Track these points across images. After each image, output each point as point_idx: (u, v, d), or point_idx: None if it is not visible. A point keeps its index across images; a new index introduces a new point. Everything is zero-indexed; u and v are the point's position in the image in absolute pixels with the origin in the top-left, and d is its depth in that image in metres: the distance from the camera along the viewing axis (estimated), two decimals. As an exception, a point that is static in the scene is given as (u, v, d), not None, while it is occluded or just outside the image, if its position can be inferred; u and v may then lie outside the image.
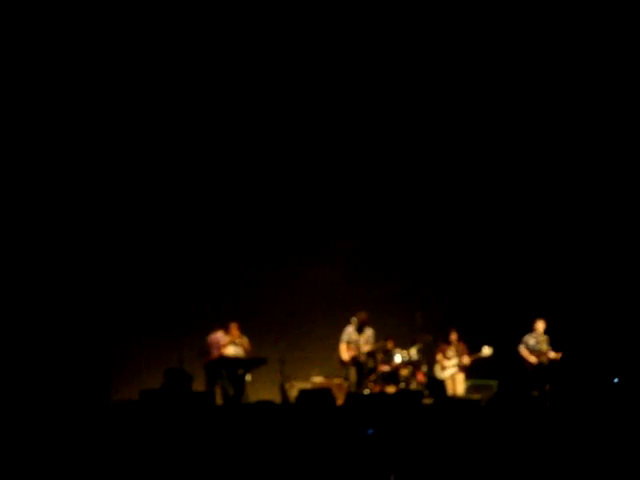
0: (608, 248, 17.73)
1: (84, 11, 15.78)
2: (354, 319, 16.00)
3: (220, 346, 15.63)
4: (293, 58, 17.20)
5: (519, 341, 16.21)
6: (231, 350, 15.68)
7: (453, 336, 16.48)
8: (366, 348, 15.87)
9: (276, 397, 15.49)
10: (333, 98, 17.75)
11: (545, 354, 15.97)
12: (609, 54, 16.69)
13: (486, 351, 16.28)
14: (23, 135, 16.40)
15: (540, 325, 16.14)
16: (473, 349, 16.48)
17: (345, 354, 15.88)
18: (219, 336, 15.75)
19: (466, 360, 16.35)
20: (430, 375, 16.38)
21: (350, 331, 16.01)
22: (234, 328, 15.76)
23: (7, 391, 14.50)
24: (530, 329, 16.24)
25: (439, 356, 16.50)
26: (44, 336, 16.20)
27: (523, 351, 16.12)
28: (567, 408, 11.74)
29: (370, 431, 10.92)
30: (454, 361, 16.38)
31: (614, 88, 16.96)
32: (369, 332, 16.05)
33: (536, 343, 16.08)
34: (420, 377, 16.29)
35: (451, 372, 16.38)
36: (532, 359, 15.98)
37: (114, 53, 16.36)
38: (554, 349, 16.02)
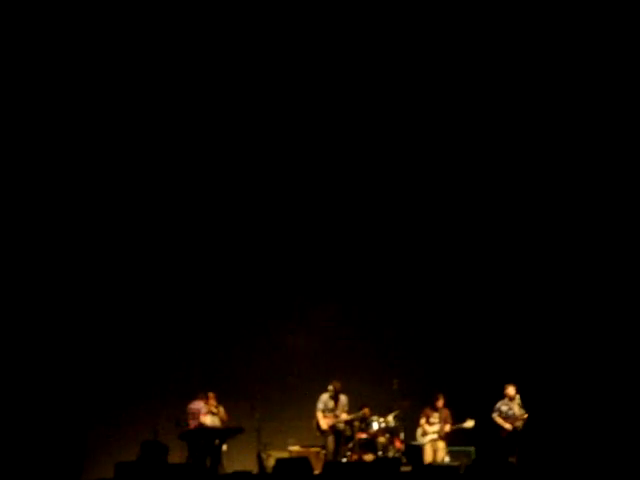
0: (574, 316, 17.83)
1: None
2: (330, 387, 15.95)
3: (199, 416, 15.50)
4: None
5: (492, 409, 16.14)
6: (208, 420, 15.56)
7: (440, 402, 16.42)
8: (344, 416, 15.79)
9: (253, 467, 15.34)
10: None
11: (519, 418, 15.89)
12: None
13: (469, 423, 16.22)
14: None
15: (510, 390, 16.09)
16: (452, 415, 16.42)
17: (323, 422, 15.79)
18: (199, 405, 15.64)
19: (448, 429, 16.27)
20: (408, 442, 16.28)
21: (326, 399, 15.96)
22: (211, 397, 15.67)
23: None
24: (502, 396, 16.18)
25: (422, 420, 16.40)
26: (15, 412, 16.02)
27: (497, 419, 16.04)
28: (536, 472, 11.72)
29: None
30: (436, 427, 16.30)
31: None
32: (344, 400, 15.99)
33: (508, 409, 16.01)
34: (398, 444, 16.20)
35: (431, 438, 16.29)
36: (507, 426, 15.90)
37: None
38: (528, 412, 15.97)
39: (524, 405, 16.04)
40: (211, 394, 15.70)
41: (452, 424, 16.29)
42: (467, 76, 17.43)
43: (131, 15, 16.14)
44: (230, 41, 16.82)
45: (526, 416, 15.85)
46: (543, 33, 16.85)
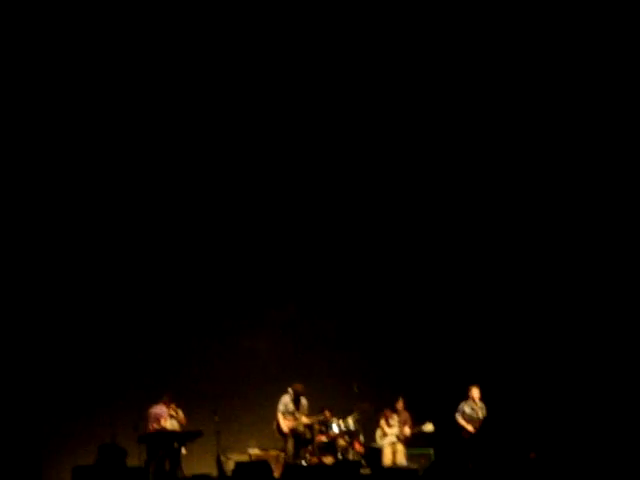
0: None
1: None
2: (290, 390, 15.92)
3: (160, 419, 15.40)
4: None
5: (455, 410, 16.15)
6: (167, 423, 15.46)
7: (400, 404, 16.44)
8: (304, 419, 15.77)
9: (212, 470, 15.27)
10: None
11: (482, 421, 15.88)
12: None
13: (428, 427, 16.21)
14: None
15: (475, 392, 15.97)
16: (411, 418, 16.46)
17: (284, 425, 15.75)
18: (161, 409, 15.53)
19: (407, 432, 16.29)
20: (368, 444, 16.30)
21: (287, 401, 15.90)
22: (168, 400, 15.57)
23: None
24: (465, 397, 16.18)
25: (382, 421, 16.42)
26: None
27: (460, 420, 15.96)
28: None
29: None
30: (395, 430, 16.32)
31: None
32: (305, 403, 15.97)
33: (472, 411, 15.95)
34: (358, 447, 16.19)
35: (391, 440, 16.31)
36: (469, 427, 15.81)
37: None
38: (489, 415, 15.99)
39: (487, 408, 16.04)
40: (168, 395, 15.58)
41: (411, 427, 16.31)
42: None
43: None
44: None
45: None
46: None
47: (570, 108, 17.46)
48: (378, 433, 16.46)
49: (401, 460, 16.18)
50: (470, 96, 17.66)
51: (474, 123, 17.88)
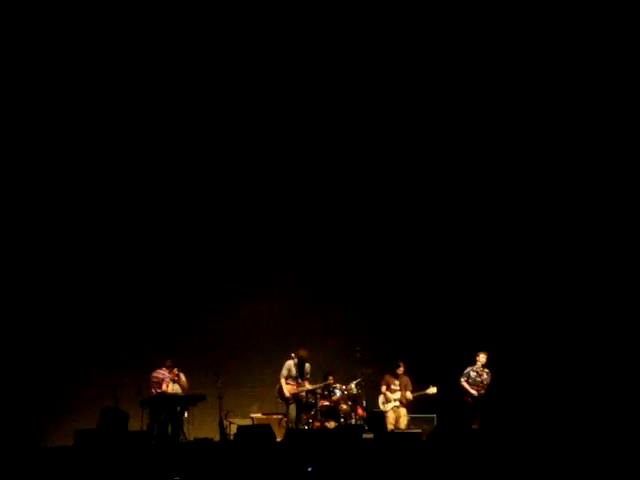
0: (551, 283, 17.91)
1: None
2: (294, 355, 15.87)
3: (162, 384, 15.40)
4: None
5: (460, 374, 16.17)
6: (169, 387, 15.46)
7: (400, 369, 16.41)
8: (307, 385, 15.72)
9: (215, 434, 15.26)
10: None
11: (486, 387, 15.92)
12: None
13: (431, 390, 16.21)
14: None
15: (482, 357, 16.04)
16: (415, 382, 16.43)
17: (286, 390, 15.71)
18: (163, 374, 15.53)
19: (409, 396, 16.29)
20: (370, 409, 16.29)
21: (290, 367, 15.86)
22: (171, 364, 15.57)
23: None
24: (471, 362, 16.20)
25: (383, 388, 16.41)
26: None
27: (464, 383, 16.03)
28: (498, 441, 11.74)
29: (309, 469, 10.83)
30: (397, 395, 16.31)
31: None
32: (308, 368, 15.93)
33: (477, 375, 16.01)
34: (360, 411, 16.20)
35: (393, 405, 16.31)
36: (473, 391, 15.90)
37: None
38: (495, 383, 16.00)
39: (493, 376, 16.05)
40: (170, 360, 15.58)
41: (413, 391, 16.31)
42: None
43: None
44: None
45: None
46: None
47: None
48: (380, 399, 16.45)
49: (404, 424, 16.18)
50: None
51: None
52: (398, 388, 16.36)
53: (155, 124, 17.30)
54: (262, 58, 16.96)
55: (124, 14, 15.83)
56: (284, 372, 15.83)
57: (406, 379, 16.45)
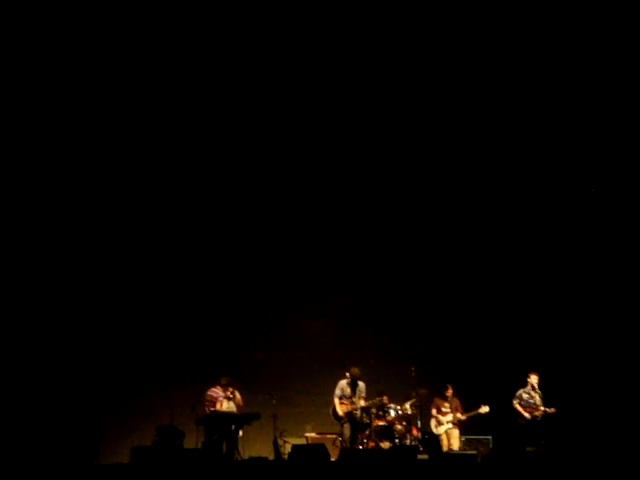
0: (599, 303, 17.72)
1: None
2: (347, 374, 15.86)
3: (216, 402, 15.48)
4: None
5: (512, 396, 16.04)
6: (224, 405, 15.53)
7: (449, 392, 16.35)
8: (362, 403, 15.70)
9: (269, 453, 15.30)
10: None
11: (538, 408, 15.78)
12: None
13: (484, 409, 16.12)
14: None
15: (533, 379, 15.96)
16: (466, 403, 16.34)
17: (340, 409, 15.70)
18: (217, 392, 15.60)
19: (462, 416, 16.20)
20: (425, 430, 16.21)
21: (343, 386, 15.84)
22: (226, 382, 15.64)
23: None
24: (523, 384, 16.07)
25: (434, 411, 16.34)
26: (32, 395, 16.08)
27: (517, 406, 15.92)
28: (563, 464, 11.60)
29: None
30: (449, 417, 16.23)
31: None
32: (362, 386, 15.90)
33: (529, 397, 15.89)
34: (415, 432, 16.14)
35: (447, 428, 16.22)
36: (526, 414, 15.78)
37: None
38: (547, 404, 15.86)
39: (545, 397, 15.91)
40: (226, 379, 15.64)
41: (463, 412, 16.21)
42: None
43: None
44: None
45: (547, 409, 15.74)
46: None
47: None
48: (433, 423, 16.37)
49: (456, 445, 16.08)
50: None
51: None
52: (449, 410, 16.28)
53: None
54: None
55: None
56: (337, 392, 15.83)
57: (456, 401, 16.38)
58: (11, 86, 15.89)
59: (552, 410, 15.75)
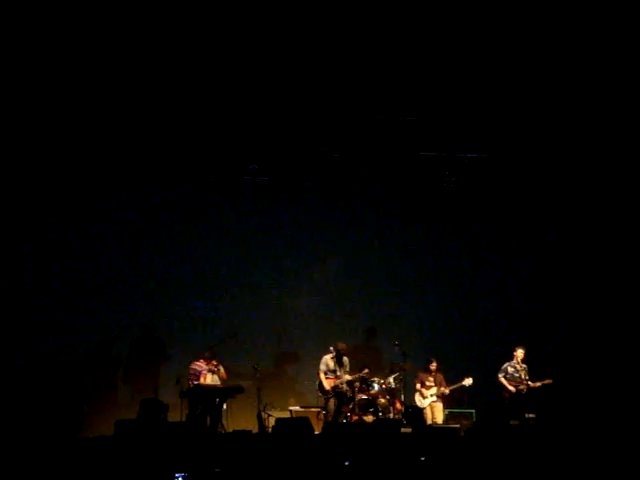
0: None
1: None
2: (332, 348, 15.89)
3: (199, 375, 15.48)
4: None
5: (497, 369, 16.12)
6: (208, 379, 15.53)
7: (433, 366, 16.40)
8: (346, 377, 15.74)
9: (253, 426, 15.33)
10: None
11: (524, 382, 15.88)
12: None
13: (467, 381, 16.19)
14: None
15: (520, 353, 16.06)
16: (450, 378, 16.40)
17: (326, 384, 15.74)
18: (201, 365, 15.60)
19: (446, 390, 16.27)
20: (408, 403, 16.27)
21: (327, 361, 15.89)
22: (209, 356, 15.64)
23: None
24: (509, 357, 16.14)
25: (418, 385, 16.40)
26: (14, 369, 16.08)
27: (502, 379, 16.02)
28: (554, 437, 11.67)
29: (346, 463, 10.84)
30: (433, 390, 16.29)
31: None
32: (346, 361, 15.94)
33: (515, 371, 15.99)
34: (398, 405, 16.21)
35: (431, 401, 16.29)
36: (511, 388, 15.89)
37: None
38: (532, 378, 15.95)
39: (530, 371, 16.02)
40: (209, 352, 15.63)
41: (446, 386, 16.28)
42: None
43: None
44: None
45: (532, 383, 15.83)
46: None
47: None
48: (417, 397, 16.42)
49: (440, 419, 16.16)
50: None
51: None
52: (433, 384, 16.34)
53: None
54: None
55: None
56: (322, 367, 15.87)
57: (440, 376, 16.44)
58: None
59: (535, 384, 15.86)
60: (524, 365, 16.03)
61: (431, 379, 16.37)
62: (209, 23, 14.97)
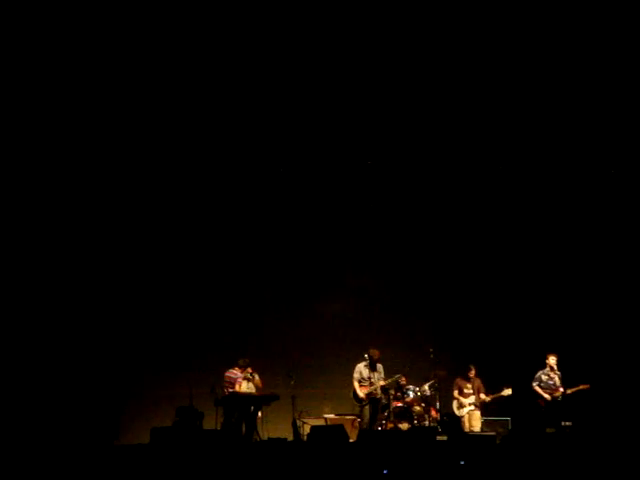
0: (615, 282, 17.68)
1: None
2: (366, 356, 15.86)
3: (235, 383, 15.51)
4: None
5: (532, 378, 16.03)
6: (243, 386, 15.56)
7: (472, 372, 16.32)
8: (381, 383, 15.70)
9: (288, 434, 15.32)
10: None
11: (558, 389, 15.78)
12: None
13: (506, 391, 16.09)
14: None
15: (552, 360, 15.97)
16: (487, 385, 16.32)
17: (360, 392, 15.71)
18: (235, 373, 15.63)
19: (487, 398, 16.17)
20: (444, 411, 16.20)
21: (361, 369, 15.85)
22: (244, 364, 15.67)
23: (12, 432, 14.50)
24: (542, 365, 16.06)
25: (456, 392, 16.32)
26: (53, 376, 16.20)
27: (536, 388, 15.94)
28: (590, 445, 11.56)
29: (385, 471, 10.81)
30: (471, 398, 16.20)
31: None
32: (380, 368, 15.90)
33: (549, 379, 15.91)
34: (433, 413, 16.13)
35: (469, 410, 16.19)
36: (546, 396, 15.80)
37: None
38: (566, 384, 15.84)
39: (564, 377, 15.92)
40: (245, 360, 15.66)
41: (486, 393, 16.19)
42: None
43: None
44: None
45: (567, 390, 15.74)
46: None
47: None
48: (454, 404, 16.35)
49: (477, 427, 16.06)
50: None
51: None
52: (471, 392, 16.26)
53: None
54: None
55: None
56: (356, 375, 15.84)
57: (478, 382, 16.36)
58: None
59: (570, 390, 15.76)
60: (558, 372, 15.93)
61: (469, 386, 16.30)
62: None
